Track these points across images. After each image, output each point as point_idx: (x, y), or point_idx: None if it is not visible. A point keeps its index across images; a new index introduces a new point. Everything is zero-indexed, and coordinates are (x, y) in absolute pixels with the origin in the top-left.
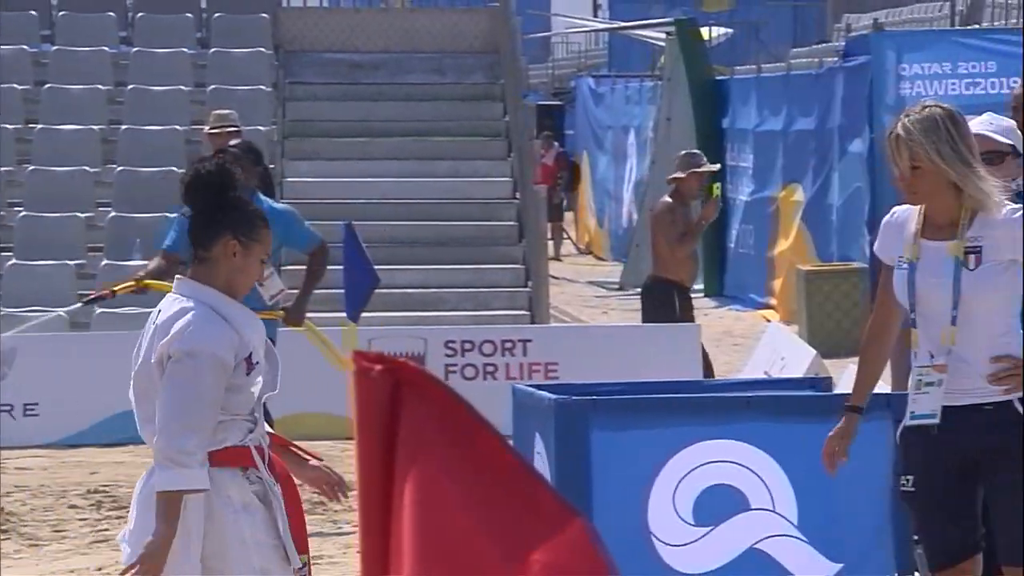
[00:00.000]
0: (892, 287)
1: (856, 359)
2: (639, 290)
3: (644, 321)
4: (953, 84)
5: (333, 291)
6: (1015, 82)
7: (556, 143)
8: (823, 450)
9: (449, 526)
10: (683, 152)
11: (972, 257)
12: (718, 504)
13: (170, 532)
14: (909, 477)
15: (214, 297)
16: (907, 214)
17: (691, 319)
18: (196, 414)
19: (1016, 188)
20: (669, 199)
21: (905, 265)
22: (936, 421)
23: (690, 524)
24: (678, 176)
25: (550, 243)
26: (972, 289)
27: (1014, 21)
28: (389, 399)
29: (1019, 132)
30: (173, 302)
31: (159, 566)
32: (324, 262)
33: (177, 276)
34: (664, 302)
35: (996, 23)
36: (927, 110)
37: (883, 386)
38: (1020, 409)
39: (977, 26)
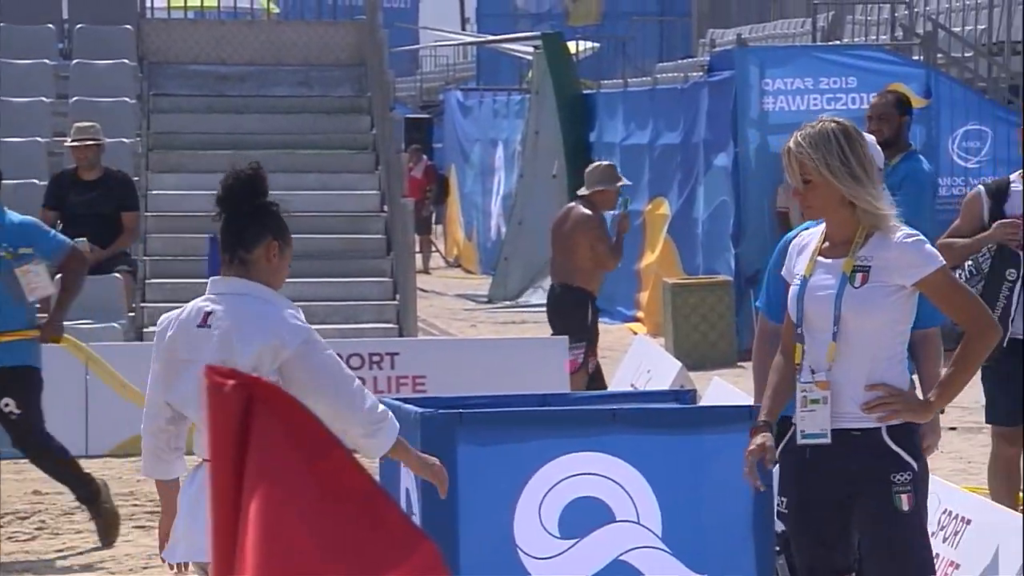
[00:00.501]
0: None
1: (721, 371)
2: (506, 303)
3: (555, 330)
4: (815, 99)
5: None
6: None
7: (425, 156)
8: (747, 470)
9: (296, 547)
10: (604, 164)
11: (859, 275)
12: (584, 517)
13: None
14: (783, 499)
15: (269, 293)
16: (812, 233)
17: (597, 332)
18: (353, 381)
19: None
20: (589, 211)
21: (799, 280)
22: (827, 440)
23: (556, 537)
24: (602, 189)
25: (419, 256)
26: (852, 308)
27: (874, 38)
28: (241, 415)
29: (878, 146)
30: (236, 300)
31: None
32: (80, 271)
33: (220, 278)
34: (577, 312)
35: (856, 39)
36: (821, 124)
37: (744, 397)
38: (887, 439)
39: (838, 42)
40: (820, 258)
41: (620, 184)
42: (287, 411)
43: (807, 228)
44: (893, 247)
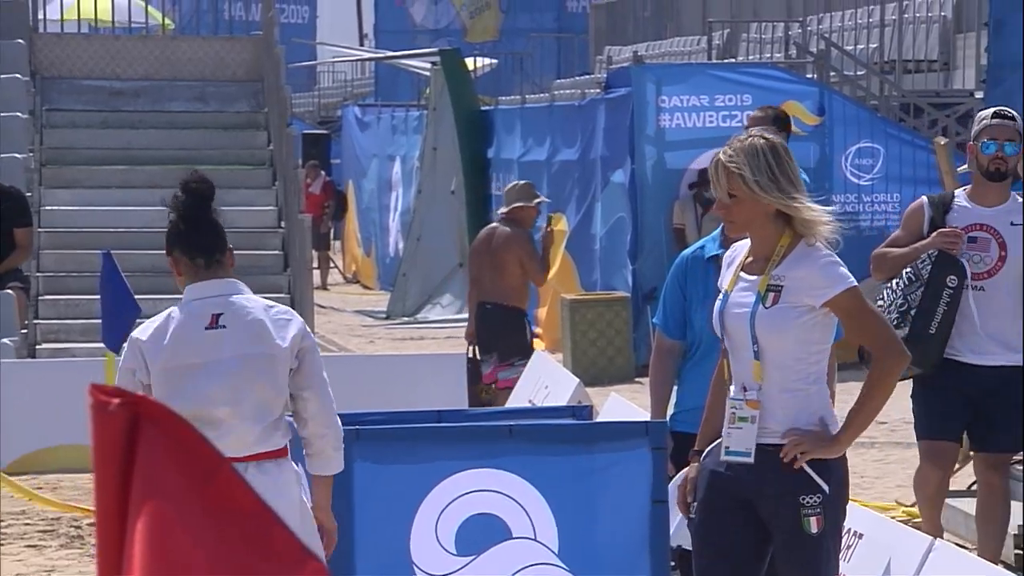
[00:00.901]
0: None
1: (618, 387)
2: (405, 319)
3: (491, 350)
4: (711, 116)
5: (95, 321)
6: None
7: (323, 172)
8: (678, 500)
9: (182, 565)
10: (521, 183)
11: (771, 295)
12: (480, 533)
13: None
14: (695, 504)
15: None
16: (742, 246)
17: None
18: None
19: None
20: (514, 229)
21: (722, 296)
22: (750, 460)
23: (453, 554)
24: (523, 205)
25: (317, 272)
26: (763, 328)
27: (768, 56)
28: (127, 435)
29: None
30: (252, 298)
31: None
32: None
33: (208, 281)
34: (517, 330)
35: (751, 57)
36: (749, 140)
37: (641, 413)
38: (805, 464)
39: (733, 60)
40: (743, 274)
41: (538, 201)
42: (174, 430)
43: (702, 246)
44: (804, 267)
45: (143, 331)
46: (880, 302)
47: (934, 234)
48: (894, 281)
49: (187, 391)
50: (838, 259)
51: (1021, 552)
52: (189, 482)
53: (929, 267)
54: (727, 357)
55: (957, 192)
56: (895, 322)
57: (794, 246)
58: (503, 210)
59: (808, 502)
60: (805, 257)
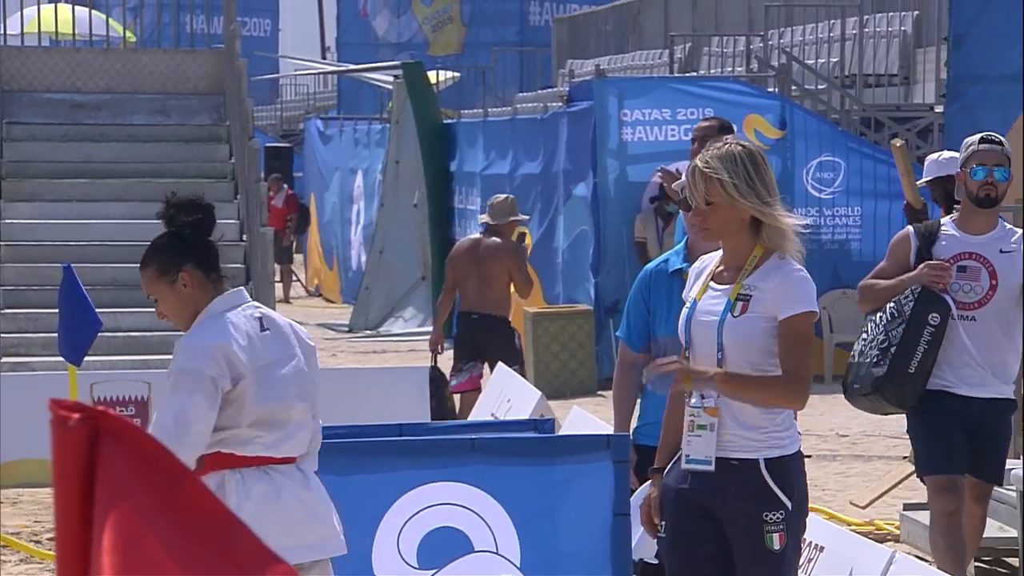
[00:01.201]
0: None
1: (581, 400)
2: (367, 332)
3: (481, 357)
4: (672, 130)
5: (56, 335)
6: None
7: (286, 185)
8: (643, 521)
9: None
10: (509, 197)
11: (740, 304)
12: (443, 547)
13: None
14: (663, 524)
15: None
16: (712, 258)
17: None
18: None
19: None
20: (503, 240)
21: (689, 304)
22: (711, 468)
23: (414, 568)
24: (512, 220)
25: (279, 285)
26: (731, 337)
27: (730, 69)
28: (88, 449)
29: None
30: (262, 307)
31: None
32: None
33: (233, 290)
34: (507, 339)
35: (713, 71)
36: (727, 146)
37: (604, 426)
38: (764, 473)
39: (695, 74)
40: (713, 283)
41: (526, 219)
42: (135, 443)
43: (666, 259)
44: (775, 278)
45: (220, 336)
46: (864, 335)
47: (921, 266)
48: (878, 315)
49: (274, 389)
50: (810, 279)
51: (982, 564)
52: (152, 494)
53: (912, 303)
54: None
55: (944, 220)
56: (875, 359)
57: (767, 257)
58: (488, 221)
59: (771, 518)
60: (777, 269)
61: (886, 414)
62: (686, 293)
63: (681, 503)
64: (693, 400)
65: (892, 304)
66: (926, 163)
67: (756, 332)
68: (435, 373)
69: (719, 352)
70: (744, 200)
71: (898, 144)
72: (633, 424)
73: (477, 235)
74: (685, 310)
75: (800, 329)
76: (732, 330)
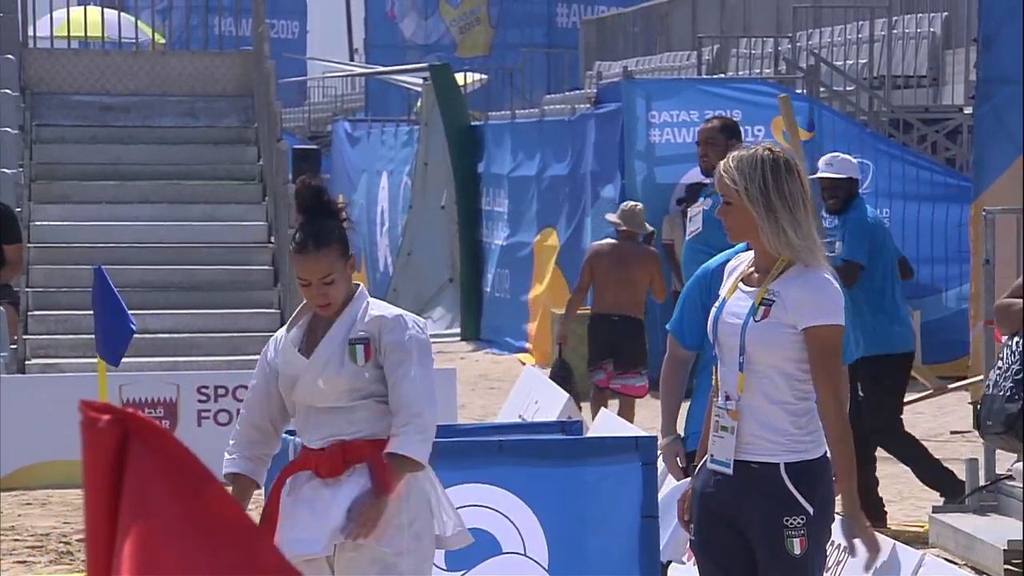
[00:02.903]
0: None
1: (610, 402)
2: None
3: (612, 356)
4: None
5: (85, 336)
6: (759, 130)
7: None
8: (680, 518)
9: None
10: (638, 205)
11: (763, 309)
12: (471, 548)
13: None
14: (692, 526)
15: None
16: (747, 256)
17: None
18: None
19: None
20: (646, 246)
21: (719, 303)
22: (728, 471)
23: (443, 569)
24: (653, 230)
25: None
26: (753, 342)
27: (758, 71)
28: (116, 451)
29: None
30: None
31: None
32: None
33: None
34: (642, 341)
35: (741, 72)
36: (754, 150)
37: (633, 428)
38: (785, 477)
39: (723, 75)
40: (742, 284)
41: (651, 232)
42: (162, 446)
43: (727, 259)
44: (800, 286)
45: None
46: (999, 363)
47: None
48: (1015, 340)
49: None
50: (837, 288)
51: (1012, 567)
52: (178, 497)
53: None
54: (715, 363)
55: None
56: (1008, 392)
57: (794, 262)
58: (622, 226)
59: (792, 523)
60: (802, 277)
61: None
62: (721, 290)
63: (705, 506)
64: (719, 400)
65: None
66: (840, 163)
67: (777, 338)
68: (562, 365)
69: (741, 355)
70: (752, 206)
71: (782, 95)
72: (683, 426)
73: (611, 240)
74: (714, 309)
75: (826, 343)
76: (754, 334)
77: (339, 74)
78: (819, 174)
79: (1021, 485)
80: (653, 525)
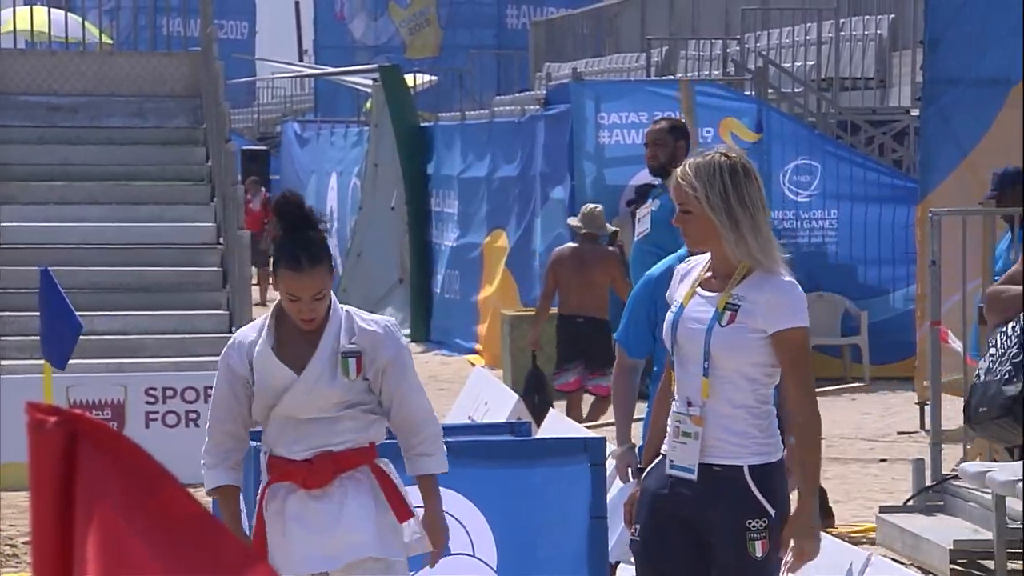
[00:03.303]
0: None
1: (559, 403)
2: None
3: (580, 357)
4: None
5: (31, 338)
6: (707, 131)
7: (263, 188)
8: (626, 519)
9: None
10: (597, 206)
11: (728, 314)
12: None
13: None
14: (637, 526)
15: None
16: (699, 261)
17: None
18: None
19: None
20: (607, 248)
21: (676, 308)
22: (693, 477)
23: None
24: (616, 231)
25: (256, 289)
26: (718, 347)
27: (707, 73)
28: (64, 453)
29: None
30: None
31: None
32: None
33: None
34: (608, 339)
35: (690, 74)
36: (711, 156)
37: (581, 429)
38: (749, 480)
39: (672, 77)
40: (700, 289)
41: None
42: (113, 446)
43: (670, 265)
44: (767, 290)
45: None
46: (991, 350)
47: None
48: (1010, 325)
49: None
50: (801, 291)
51: (958, 567)
52: (132, 497)
53: None
54: (673, 370)
55: None
56: (1006, 375)
57: (755, 267)
58: (582, 229)
59: (754, 526)
60: (767, 281)
61: (1016, 445)
62: (669, 294)
63: (659, 509)
64: (677, 405)
65: None
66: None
67: (744, 343)
68: (536, 374)
69: (705, 361)
70: (714, 213)
71: (685, 79)
72: (636, 428)
73: (571, 244)
74: (671, 314)
75: (795, 345)
76: (720, 340)
77: (288, 75)
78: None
79: (967, 485)
80: (602, 526)
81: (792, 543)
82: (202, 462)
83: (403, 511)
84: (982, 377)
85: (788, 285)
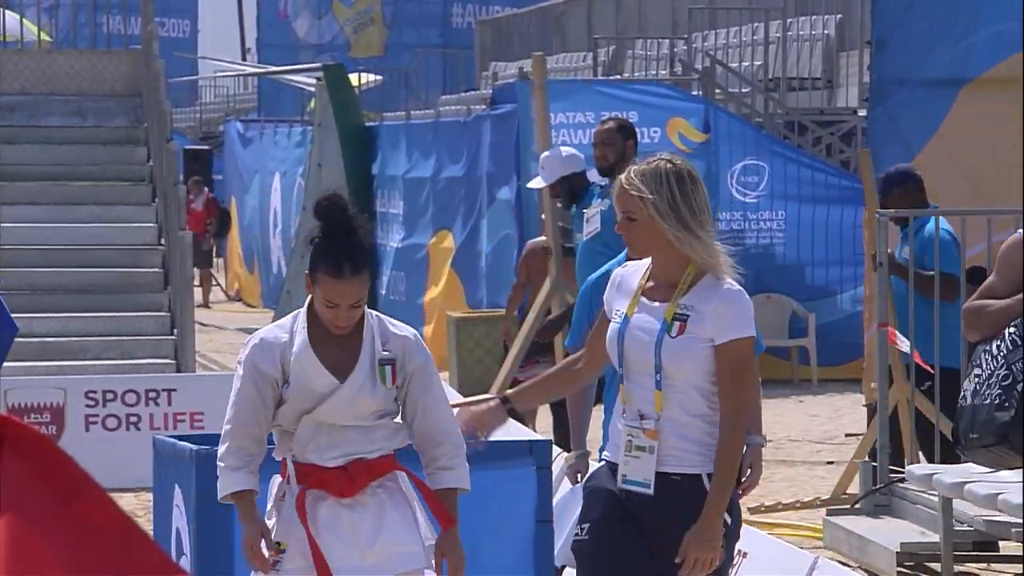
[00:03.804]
0: (603, 338)
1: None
2: None
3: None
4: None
5: None
6: (655, 131)
7: (206, 188)
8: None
9: None
10: None
11: (677, 324)
12: None
13: None
14: (585, 525)
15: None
16: (635, 268)
17: None
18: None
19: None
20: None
21: (620, 319)
22: (650, 492)
23: None
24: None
25: (199, 290)
26: (669, 358)
27: (654, 72)
28: None
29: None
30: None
31: None
32: None
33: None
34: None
35: (637, 74)
36: (655, 163)
37: (527, 432)
38: (707, 485)
39: (619, 77)
40: (644, 299)
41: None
42: (36, 451)
43: (608, 271)
44: (715, 298)
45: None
46: (976, 371)
47: None
48: (994, 344)
49: None
50: (748, 299)
51: (905, 570)
52: (50, 501)
53: None
54: (621, 382)
55: None
56: (996, 400)
57: (701, 275)
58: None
59: None
60: (715, 289)
61: (1013, 468)
62: (610, 304)
63: (611, 512)
64: (628, 418)
65: (1013, 328)
66: (546, 161)
67: (694, 353)
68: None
69: (657, 373)
70: (662, 220)
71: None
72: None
73: (543, 238)
74: (615, 324)
75: (739, 356)
76: (671, 351)
77: (231, 73)
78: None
79: (914, 487)
80: (547, 530)
81: (688, 552)
82: (221, 464)
83: (445, 518)
84: (968, 400)
85: (736, 294)
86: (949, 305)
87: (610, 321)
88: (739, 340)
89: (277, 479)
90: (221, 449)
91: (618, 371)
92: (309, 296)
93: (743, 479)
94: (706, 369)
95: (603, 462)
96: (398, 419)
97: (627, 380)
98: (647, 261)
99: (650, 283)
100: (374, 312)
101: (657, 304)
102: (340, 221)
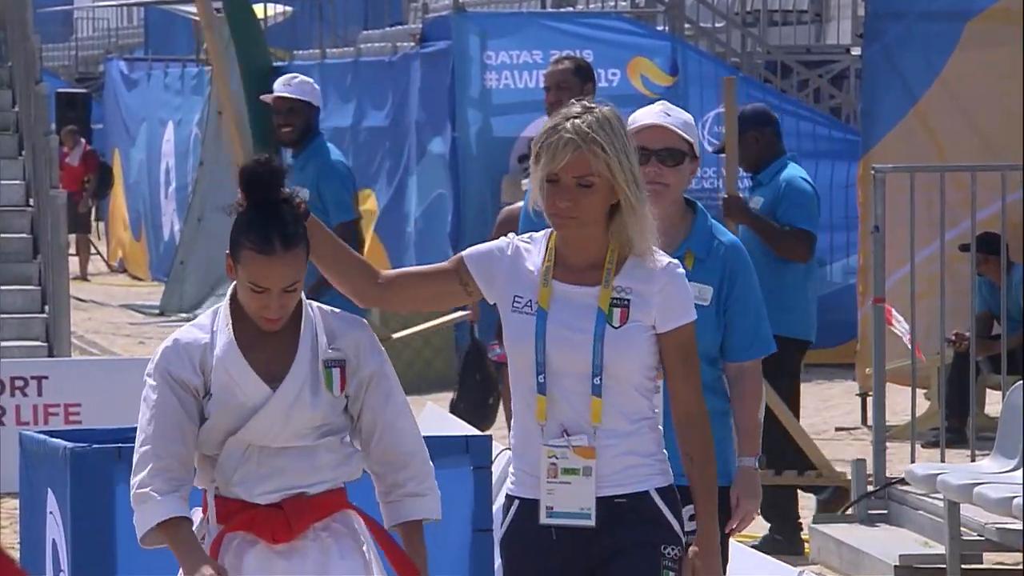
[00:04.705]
0: (431, 285)
1: (438, 395)
2: (182, 315)
3: None
4: (545, 75)
5: None
6: (614, 73)
7: (83, 139)
8: None
9: None
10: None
11: (618, 312)
12: None
13: None
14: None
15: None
16: (528, 244)
17: None
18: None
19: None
20: None
21: (531, 311)
22: (591, 523)
23: None
24: None
25: (75, 260)
26: (614, 353)
27: (612, 4)
28: None
29: (693, 126)
30: None
31: None
32: None
33: None
34: None
35: (592, 6)
36: (599, 109)
37: (463, 426)
38: (659, 503)
39: (571, 9)
40: (559, 283)
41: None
42: None
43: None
44: (657, 279)
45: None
46: None
47: None
48: None
49: None
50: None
51: None
52: None
53: None
54: (542, 392)
55: None
56: None
57: (626, 251)
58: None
59: (670, 553)
60: (653, 268)
61: None
62: (505, 287)
63: (542, 559)
64: (549, 436)
65: None
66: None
67: (638, 345)
68: (475, 347)
69: (596, 376)
70: (624, 184)
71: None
72: None
73: (515, 204)
74: (525, 318)
75: (687, 341)
76: (615, 345)
77: (112, 3)
78: (275, 94)
79: (915, 490)
80: (487, 540)
81: (694, 568)
82: (142, 491)
83: (409, 569)
84: None
85: (679, 274)
86: (798, 266)
87: (499, 302)
88: (687, 325)
89: (197, 513)
90: (138, 476)
91: (535, 380)
92: (232, 285)
93: (732, 521)
94: (646, 363)
95: (515, 501)
96: (350, 443)
97: (552, 389)
98: (541, 235)
99: (558, 264)
100: (315, 303)
101: (581, 289)
102: (269, 186)
